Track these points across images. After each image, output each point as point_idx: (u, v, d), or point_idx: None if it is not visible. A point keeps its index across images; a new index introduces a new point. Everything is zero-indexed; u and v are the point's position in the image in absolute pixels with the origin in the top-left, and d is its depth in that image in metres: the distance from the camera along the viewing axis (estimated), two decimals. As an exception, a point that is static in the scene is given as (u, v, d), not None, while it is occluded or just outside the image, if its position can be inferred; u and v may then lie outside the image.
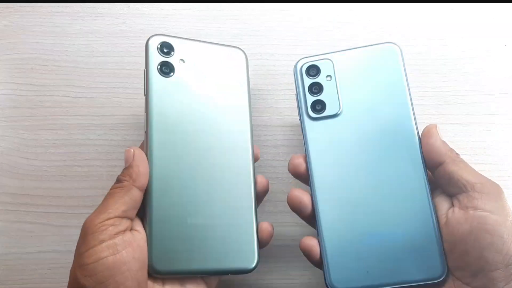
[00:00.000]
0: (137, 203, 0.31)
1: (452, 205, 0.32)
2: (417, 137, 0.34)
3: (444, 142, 0.33)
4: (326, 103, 0.35)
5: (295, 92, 0.37)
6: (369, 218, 0.33)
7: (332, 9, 0.45)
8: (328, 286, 0.33)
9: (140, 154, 0.31)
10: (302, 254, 0.41)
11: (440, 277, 0.32)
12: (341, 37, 0.44)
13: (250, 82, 0.37)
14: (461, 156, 0.33)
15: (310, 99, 0.36)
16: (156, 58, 0.35)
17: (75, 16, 0.44)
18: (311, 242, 0.33)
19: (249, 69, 0.41)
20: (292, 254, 0.41)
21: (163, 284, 0.32)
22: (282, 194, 0.42)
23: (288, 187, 0.42)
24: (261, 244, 0.35)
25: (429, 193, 0.33)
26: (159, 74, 0.34)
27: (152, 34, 0.35)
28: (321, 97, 0.35)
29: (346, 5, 0.45)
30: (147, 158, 0.32)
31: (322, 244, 0.33)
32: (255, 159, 0.37)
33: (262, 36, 0.44)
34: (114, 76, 0.43)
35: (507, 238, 0.29)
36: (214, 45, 0.37)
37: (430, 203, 0.33)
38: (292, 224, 0.41)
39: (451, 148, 0.33)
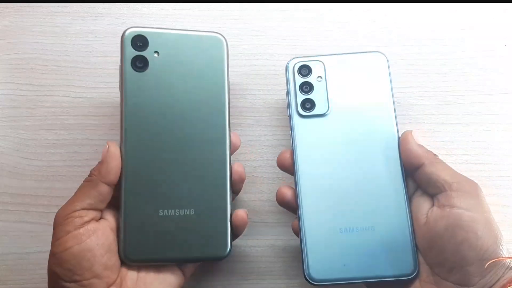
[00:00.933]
0: (105, 196, 0.33)
1: (433, 205, 0.34)
2: (397, 141, 0.36)
3: (420, 146, 0.35)
4: (315, 102, 0.37)
5: (285, 89, 0.38)
6: (348, 214, 0.35)
7: (332, 9, 0.45)
8: (306, 277, 0.34)
9: (113, 150, 0.33)
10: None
11: (411, 274, 0.34)
12: (341, 37, 0.44)
13: (230, 69, 0.37)
14: (439, 157, 0.35)
15: (301, 97, 0.37)
16: (129, 53, 0.35)
17: (75, 16, 0.44)
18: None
19: (251, 68, 0.41)
20: (292, 253, 0.41)
21: (138, 271, 0.34)
22: (282, 194, 0.42)
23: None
24: (236, 231, 0.36)
25: (405, 194, 0.35)
26: (132, 69, 0.35)
27: (128, 27, 0.35)
28: (311, 96, 0.37)
29: (346, 5, 0.45)
30: (122, 153, 0.34)
31: (302, 237, 0.35)
32: (235, 147, 0.37)
33: (262, 36, 0.44)
34: (114, 76, 0.43)
35: (482, 234, 0.30)
36: (191, 34, 0.36)
37: (406, 202, 0.35)
38: (292, 224, 0.42)
39: (428, 150, 0.35)
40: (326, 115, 0.36)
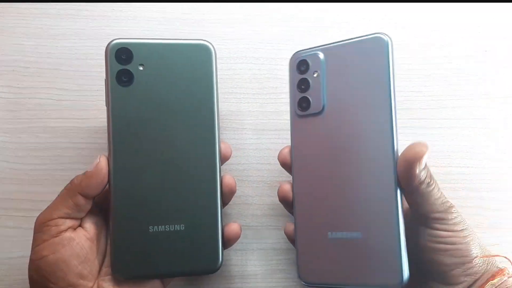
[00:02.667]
0: (81, 207, 0.33)
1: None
2: (394, 144, 0.33)
3: (420, 171, 0.31)
4: (310, 100, 0.35)
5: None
6: (337, 217, 0.34)
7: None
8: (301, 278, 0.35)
9: (101, 166, 0.33)
10: (287, 257, 0.41)
11: (399, 284, 0.31)
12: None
13: (218, 77, 0.36)
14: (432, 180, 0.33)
15: (298, 96, 0.36)
16: (114, 67, 0.34)
17: (58, 17, 0.44)
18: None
19: (235, 72, 0.41)
20: (277, 257, 0.41)
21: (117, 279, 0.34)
22: (267, 198, 0.42)
23: (273, 191, 0.42)
24: (228, 244, 0.36)
25: (397, 200, 0.32)
26: (117, 84, 0.34)
27: (111, 40, 0.34)
28: (307, 94, 0.36)
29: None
30: (110, 169, 0.33)
31: (296, 236, 0.35)
32: (225, 157, 0.37)
33: (247, 39, 0.44)
34: (97, 79, 0.43)
35: (459, 246, 0.32)
36: (177, 43, 0.35)
37: (398, 209, 0.32)
38: (277, 227, 0.42)
39: (425, 179, 0.32)
40: (320, 113, 0.35)
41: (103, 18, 0.44)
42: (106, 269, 0.34)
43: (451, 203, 0.33)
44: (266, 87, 0.43)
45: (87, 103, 0.42)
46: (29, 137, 0.42)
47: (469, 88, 0.44)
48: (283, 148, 0.37)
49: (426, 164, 0.32)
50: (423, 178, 0.32)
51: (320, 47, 0.36)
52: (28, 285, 0.39)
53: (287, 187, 0.36)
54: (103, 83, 0.43)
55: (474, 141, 0.43)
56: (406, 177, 0.31)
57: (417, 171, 0.31)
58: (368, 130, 0.33)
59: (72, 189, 0.33)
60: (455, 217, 0.33)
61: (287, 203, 0.37)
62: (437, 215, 0.32)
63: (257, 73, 0.44)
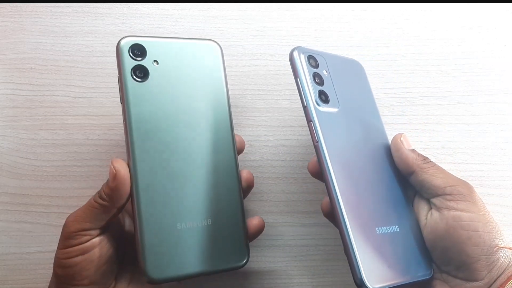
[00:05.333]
0: (114, 217, 0.33)
1: (430, 207, 0.34)
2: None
3: (410, 152, 0.35)
4: (328, 95, 0.34)
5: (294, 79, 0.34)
6: (384, 214, 0.33)
7: (332, 9, 0.45)
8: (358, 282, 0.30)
9: (123, 175, 0.32)
10: (302, 254, 0.41)
11: (429, 275, 0.33)
12: (341, 38, 0.44)
13: (229, 70, 0.37)
14: (431, 159, 0.35)
15: (316, 88, 0.34)
16: (128, 63, 0.34)
17: (75, 16, 0.44)
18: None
19: (250, 68, 0.41)
20: (292, 253, 0.41)
21: (131, 275, 0.35)
22: (282, 194, 0.42)
23: (288, 187, 0.42)
24: (251, 238, 0.36)
25: (405, 197, 0.35)
26: (133, 80, 0.34)
27: (122, 36, 0.35)
28: (323, 88, 0.35)
29: (348, 5, 0.45)
30: (130, 168, 0.32)
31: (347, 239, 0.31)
32: (240, 149, 0.37)
33: (262, 36, 0.44)
34: (113, 76, 0.43)
35: (483, 232, 0.31)
36: (186, 42, 0.36)
37: (408, 204, 0.35)
38: (292, 224, 0.42)
39: (419, 155, 0.35)
40: (337, 109, 0.34)
41: (119, 16, 0.44)
42: (121, 270, 0.35)
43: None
44: (282, 84, 0.43)
45: (103, 100, 0.43)
46: (47, 134, 0.42)
47: (487, 83, 0.44)
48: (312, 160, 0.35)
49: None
50: (416, 155, 0.34)
51: (319, 52, 0.36)
52: (45, 280, 0.39)
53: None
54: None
55: (492, 137, 0.43)
56: (400, 159, 0.35)
57: (406, 151, 0.34)
58: (374, 130, 0.36)
59: (106, 206, 0.32)
60: (471, 192, 0.32)
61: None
62: (448, 189, 0.32)
63: (272, 70, 0.44)
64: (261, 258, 0.41)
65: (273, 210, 0.42)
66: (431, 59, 0.44)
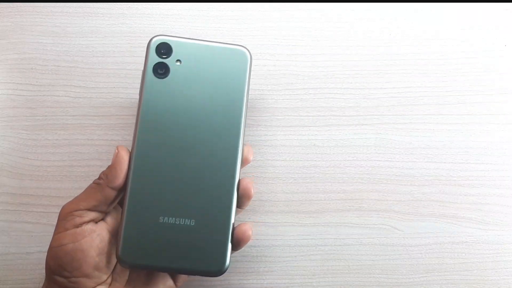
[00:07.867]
0: (110, 199, 0.33)
1: None
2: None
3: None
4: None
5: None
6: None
7: (332, 10, 0.45)
8: None
9: (122, 155, 0.34)
10: (302, 254, 0.41)
11: None
12: (341, 38, 0.44)
13: (250, 82, 0.37)
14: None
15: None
16: (152, 59, 0.35)
17: (75, 16, 0.44)
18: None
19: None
20: (292, 253, 0.41)
21: (130, 274, 0.35)
22: (282, 194, 0.42)
23: (288, 187, 0.42)
24: (237, 246, 0.35)
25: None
26: (153, 75, 0.35)
27: (155, 35, 0.36)
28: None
29: (348, 5, 0.45)
30: (132, 157, 0.34)
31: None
32: (245, 162, 0.37)
33: (262, 36, 0.44)
34: (114, 76, 0.43)
35: None
36: (216, 46, 0.36)
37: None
38: (292, 224, 0.42)
39: None
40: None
41: (119, 16, 0.44)
42: (120, 268, 0.35)
43: None
44: (282, 84, 0.43)
45: (104, 100, 0.43)
46: (47, 134, 0.42)
47: (487, 83, 0.44)
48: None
49: None
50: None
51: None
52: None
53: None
54: (120, 80, 0.43)
55: (492, 137, 0.43)
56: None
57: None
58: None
59: (101, 184, 0.33)
60: None
61: None
62: None
63: (272, 69, 0.44)
64: (261, 258, 0.41)
65: (273, 210, 0.42)
66: (431, 59, 0.44)
